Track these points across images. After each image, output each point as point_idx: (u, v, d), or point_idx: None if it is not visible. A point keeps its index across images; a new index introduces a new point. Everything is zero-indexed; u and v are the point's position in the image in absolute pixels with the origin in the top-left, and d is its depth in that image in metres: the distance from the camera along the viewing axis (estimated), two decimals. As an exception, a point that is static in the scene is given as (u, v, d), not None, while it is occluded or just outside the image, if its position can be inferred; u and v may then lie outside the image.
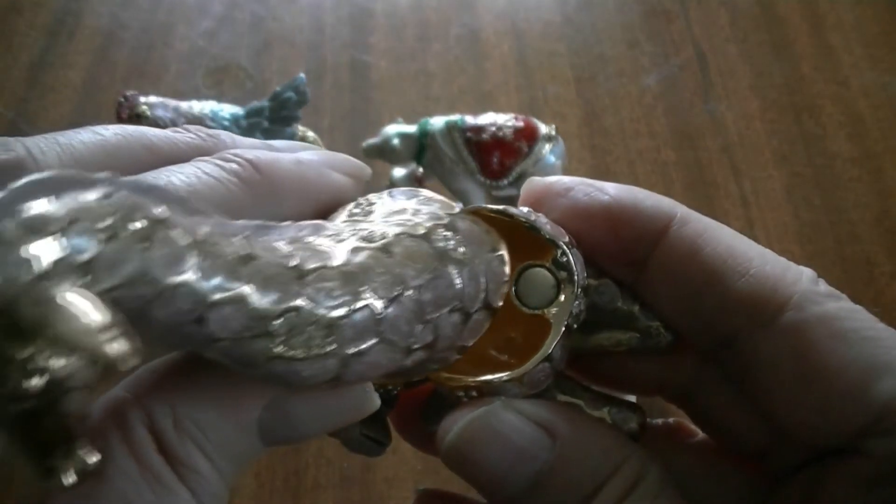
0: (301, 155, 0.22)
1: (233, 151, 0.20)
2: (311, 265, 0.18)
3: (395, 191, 0.23)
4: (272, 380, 0.17)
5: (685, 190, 0.65)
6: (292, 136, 0.61)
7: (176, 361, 0.19)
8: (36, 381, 0.14)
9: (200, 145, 0.21)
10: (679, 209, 0.22)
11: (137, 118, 0.56)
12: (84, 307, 0.13)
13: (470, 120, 0.58)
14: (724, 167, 0.66)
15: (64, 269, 0.14)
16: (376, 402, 0.20)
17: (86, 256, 0.15)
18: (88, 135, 0.19)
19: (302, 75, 0.60)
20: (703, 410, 0.24)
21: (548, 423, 0.20)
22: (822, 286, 0.20)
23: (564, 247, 0.22)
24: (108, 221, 0.15)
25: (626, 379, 0.25)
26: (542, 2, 0.79)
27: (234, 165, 0.20)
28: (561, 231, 0.22)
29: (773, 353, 0.20)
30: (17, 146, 0.18)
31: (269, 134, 0.60)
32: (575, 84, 0.72)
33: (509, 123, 0.58)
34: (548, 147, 0.57)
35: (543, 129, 0.58)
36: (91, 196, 0.15)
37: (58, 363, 0.14)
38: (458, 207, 0.22)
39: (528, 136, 0.57)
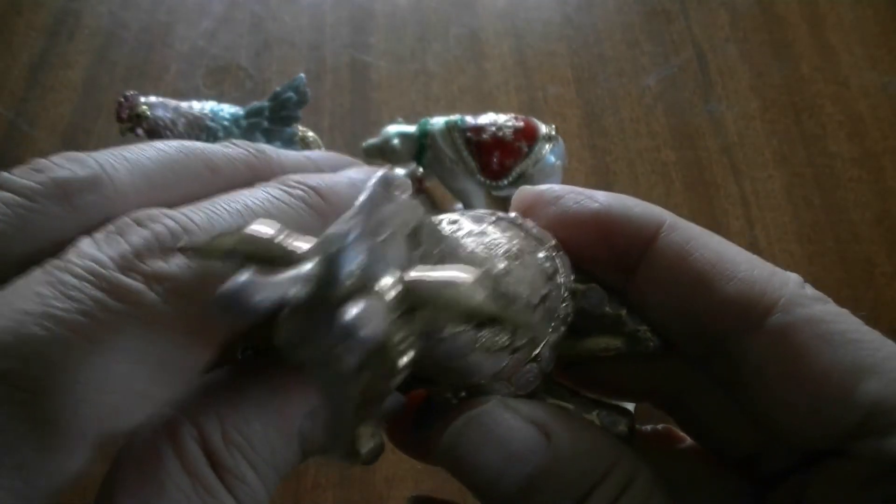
0: (351, 174, 0.23)
1: (294, 178, 0.21)
2: (499, 267, 0.19)
3: (469, 213, 0.23)
4: (456, 371, 0.19)
5: (685, 190, 0.65)
6: (292, 136, 0.61)
7: (223, 378, 0.19)
8: (405, 360, 0.15)
9: (253, 162, 0.22)
10: (668, 216, 0.22)
11: (137, 118, 0.56)
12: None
13: (470, 120, 0.58)
14: (724, 167, 0.66)
15: None
16: (402, 402, 0.21)
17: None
18: (153, 151, 0.20)
19: (302, 75, 0.60)
20: (692, 416, 0.24)
21: (542, 422, 0.20)
22: (809, 290, 0.21)
23: (551, 250, 0.22)
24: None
25: (616, 385, 0.25)
26: (542, 2, 0.79)
27: (299, 192, 0.21)
28: (547, 235, 0.22)
29: (761, 356, 0.20)
30: (91, 162, 0.19)
31: (269, 134, 0.60)
32: (575, 84, 0.72)
33: (509, 123, 0.57)
34: (548, 147, 0.57)
35: (543, 129, 0.58)
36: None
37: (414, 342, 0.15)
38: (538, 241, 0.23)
39: (528, 136, 0.57)
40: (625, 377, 0.24)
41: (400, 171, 0.20)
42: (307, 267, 0.14)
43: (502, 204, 0.63)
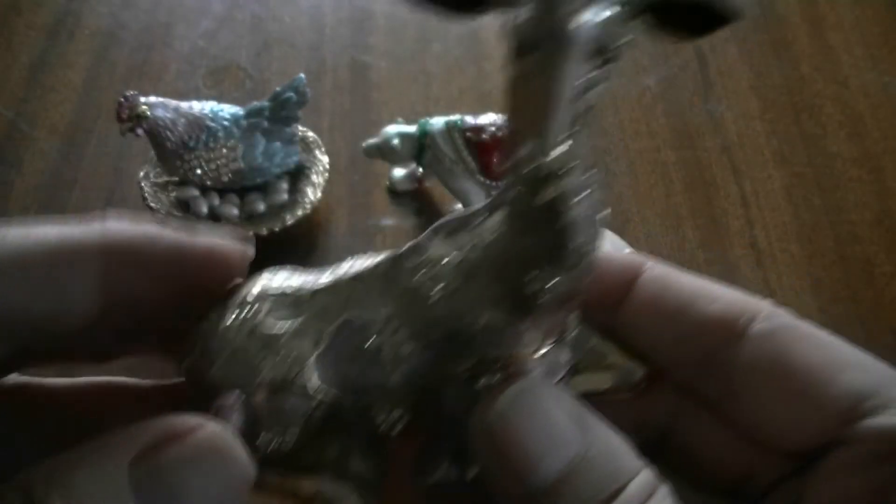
0: None
1: None
2: None
3: None
4: (565, 250, 0.19)
5: (685, 190, 0.65)
6: (292, 137, 0.61)
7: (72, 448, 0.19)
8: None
9: None
10: (648, 258, 0.24)
11: (137, 118, 0.56)
12: None
13: (470, 120, 0.58)
14: (724, 167, 0.66)
15: None
16: (253, 470, 0.19)
17: None
18: None
19: (302, 75, 0.60)
20: (680, 447, 0.24)
21: (577, 411, 0.20)
22: (782, 309, 0.22)
23: None
24: None
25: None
26: (542, 2, 0.79)
27: None
28: None
29: (748, 362, 0.21)
30: None
31: (269, 134, 0.60)
32: (575, 84, 0.72)
33: (509, 123, 0.58)
34: (548, 147, 0.57)
35: (543, 129, 0.58)
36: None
37: None
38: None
39: (527, 136, 0.57)
40: (614, 417, 0.25)
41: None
42: None
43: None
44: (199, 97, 0.62)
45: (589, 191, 0.19)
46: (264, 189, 0.61)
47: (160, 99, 0.58)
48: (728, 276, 0.59)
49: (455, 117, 0.58)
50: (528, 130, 0.17)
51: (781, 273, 0.60)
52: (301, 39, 0.75)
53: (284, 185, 0.61)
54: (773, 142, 0.68)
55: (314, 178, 0.61)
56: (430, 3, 0.18)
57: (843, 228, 0.63)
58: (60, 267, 0.20)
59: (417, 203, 0.63)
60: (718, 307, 0.22)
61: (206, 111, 0.59)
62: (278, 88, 0.60)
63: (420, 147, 0.58)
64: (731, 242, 0.62)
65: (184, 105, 0.59)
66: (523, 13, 0.16)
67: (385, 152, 0.59)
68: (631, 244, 0.50)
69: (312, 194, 0.60)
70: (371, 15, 0.77)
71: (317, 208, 0.60)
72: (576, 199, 0.19)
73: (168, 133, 0.57)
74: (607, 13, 0.16)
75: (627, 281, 0.23)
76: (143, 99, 0.56)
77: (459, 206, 0.61)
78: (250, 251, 0.23)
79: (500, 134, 0.57)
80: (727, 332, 0.22)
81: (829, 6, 0.78)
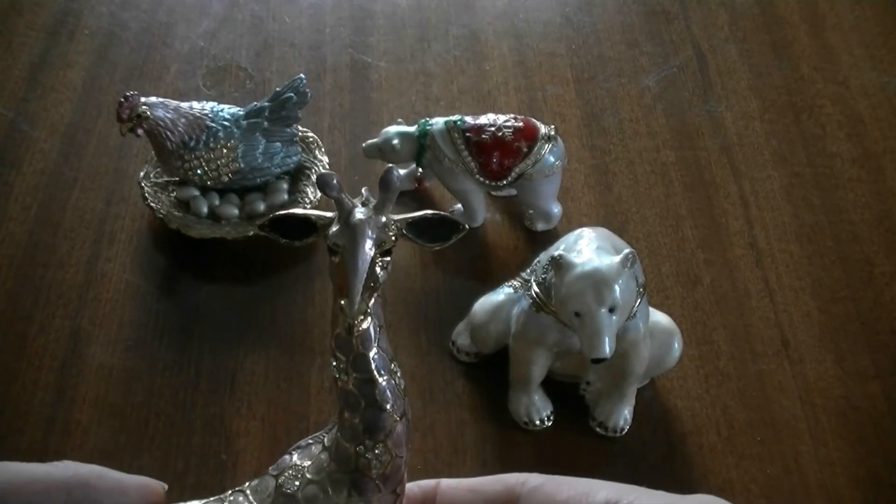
0: None
1: None
2: None
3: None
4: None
5: (684, 190, 0.65)
6: (292, 137, 0.61)
7: None
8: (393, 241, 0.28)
9: None
10: (428, 485, 0.33)
11: (138, 118, 0.56)
12: None
13: (470, 120, 0.58)
14: (724, 167, 0.66)
15: None
16: None
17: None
18: None
19: (302, 75, 0.60)
20: None
21: None
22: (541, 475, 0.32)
23: None
24: None
25: None
26: (542, 2, 0.79)
27: None
28: None
29: None
30: None
31: (269, 134, 0.60)
32: (575, 84, 0.72)
33: (509, 124, 0.57)
34: (547, 147, 0.57)
35: (543, 129, 0.58)
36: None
37: None
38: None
39: (527, 136, 0.57)
40: None
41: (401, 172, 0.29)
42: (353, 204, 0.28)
43: (502, 204, 0.63)
44: (199, 97, 0.62)
45: (392, 372, 0.28)
46: (264, 189, 0.61)
47: (160, 99, 0.58)
48: (728, 276, 0.60)
49: (455, 117, 0.58)
50: (341, 295, 0.25)
51: (781, 273, 0.60)
52: (301, 39, 0.75)
53: (284, 185, 0.61)
54: (772, 142, 0.68)
55: (314, 178, 0.61)
56: (273, 233, 0.28)
57: (843, 228, 0.63)
58: (35, 496, 0.27)
59: (417, 203, 0.63)
60: (499, 486, 0.31)
61: (206, 111, 0.59)
62: (278, 88, 0.60)
63: (420, 147, 0.59)
64: (731, 242, 0.62)
65: (184, 105, 0.59)
66: (332, 229, 0.26)
67: (385, 152, 0.59)
68: (631, 244, 0.50)
69: (312, 194, 0.60)
70: (371, 15, 0.77)
71: (317, 208, 0.60)
72: (384, 375, 0.27)
73: (168, 133, 0.57)
74: (382, 220, 0.27)
75: (431, 500, 0.32)
76: (143, 99, 0.56)
77: (459, 206, 0.61)
78: (165, 486, 0.32)
79: (499, 134, 0.57)
80: (509, 498, 0.30)
81: (829, 6, 0.78)
